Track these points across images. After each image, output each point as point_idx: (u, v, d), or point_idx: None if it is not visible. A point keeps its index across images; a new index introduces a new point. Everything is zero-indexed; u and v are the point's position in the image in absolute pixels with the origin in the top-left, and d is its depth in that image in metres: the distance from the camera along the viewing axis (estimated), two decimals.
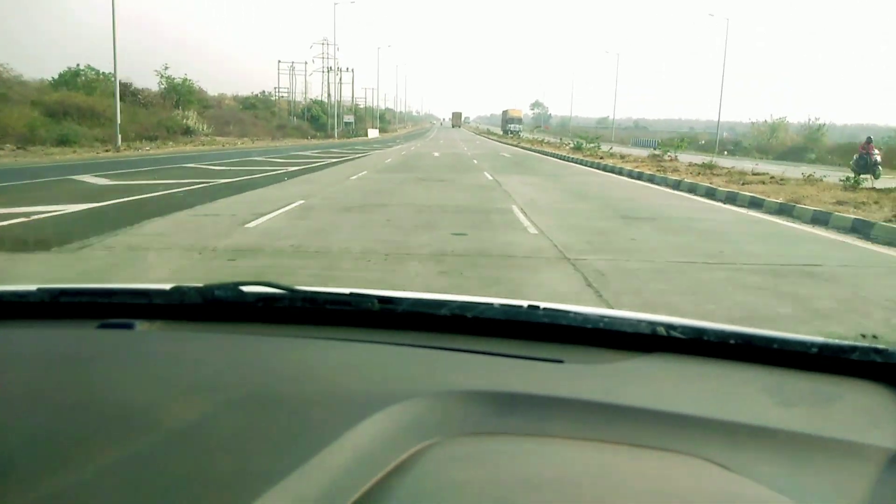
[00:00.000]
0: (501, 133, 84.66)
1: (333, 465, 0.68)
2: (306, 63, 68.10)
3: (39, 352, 1.02)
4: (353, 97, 77.07)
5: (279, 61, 70.30)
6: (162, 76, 45.88)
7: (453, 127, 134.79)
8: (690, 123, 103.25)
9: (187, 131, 38.50)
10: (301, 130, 55.92)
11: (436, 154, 31.28)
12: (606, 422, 0.81)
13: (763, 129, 53.09)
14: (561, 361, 1.00)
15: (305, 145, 40.54)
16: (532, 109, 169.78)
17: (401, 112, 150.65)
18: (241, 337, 1.11)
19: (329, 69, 71.65)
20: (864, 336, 1.04)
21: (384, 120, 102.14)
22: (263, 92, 69.22)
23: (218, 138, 39.88)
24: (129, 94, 39.30)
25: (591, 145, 33.55)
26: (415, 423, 0.78)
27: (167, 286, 1.19)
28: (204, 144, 35.05)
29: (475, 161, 25.58)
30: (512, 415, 0.82)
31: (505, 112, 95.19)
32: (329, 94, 72.78)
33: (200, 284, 1.18)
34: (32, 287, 1.21)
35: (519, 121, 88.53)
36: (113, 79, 28.36)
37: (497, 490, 0.67)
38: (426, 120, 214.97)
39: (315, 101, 73.75)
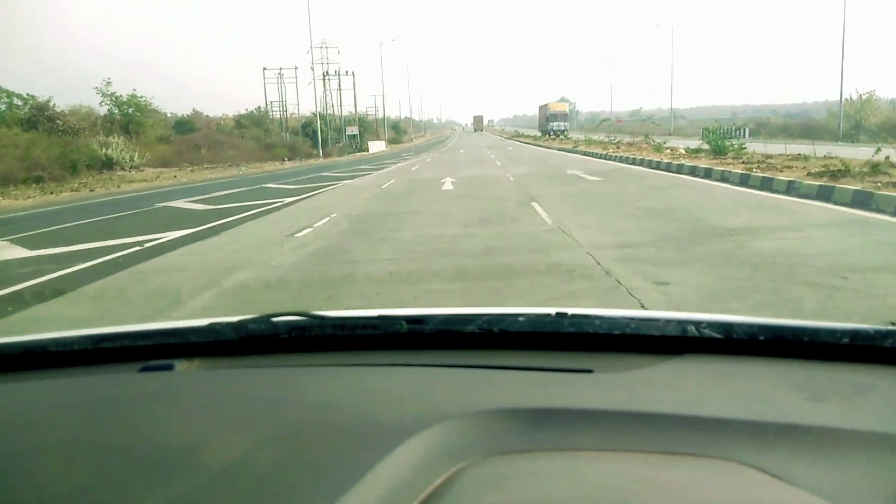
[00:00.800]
0: (540, 134, 67.16)
1: (371, 496, 0.69)
2: (296, 68, 56.96)
3: (84, 400, 1.04)
4: (355, 105, 66.05)
5: (264, 69, 59.45)
6: (104, 95, 35.94)
7: (475, 131, 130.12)
8: (728, 110, 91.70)
9: (108, 164, 27.83)
10: (294, 149, 45.96)
11: (447, 185, 14.92)
12: (638, 431, 0.81)
13: (854, 106, 40.72)
14: (590, 371, 0.99)
15: (251, 175, 26.20)
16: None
17: (419, 120, 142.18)
18: (275, 370, 1.13)
19: (326, 74, 60.46)
20: (893, 323, 1.05)
21: (399, 130, 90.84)
22: (259, 108, 58.71)
23: (149, 171, 29.43)
24: (44, 119, 28.72)
25: (731, 143, 18.89)
26: (448, 446, 0.79)
27: (202, 323, 1.21)
28: (115, 182, 24.17)
29: (542, 210, 9.53)
30: (543, 430, 0.82)
31: (543, 108, 71.66)
32: (325, 104, 61.40)
33: (234, 318, 1.20)
34: (75, 333, 1.24)
35: (564, 117, 65.01)
36: None
37: None
38: (447, 126, 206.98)
39: (317, 115, 63.26)
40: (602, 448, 0.79)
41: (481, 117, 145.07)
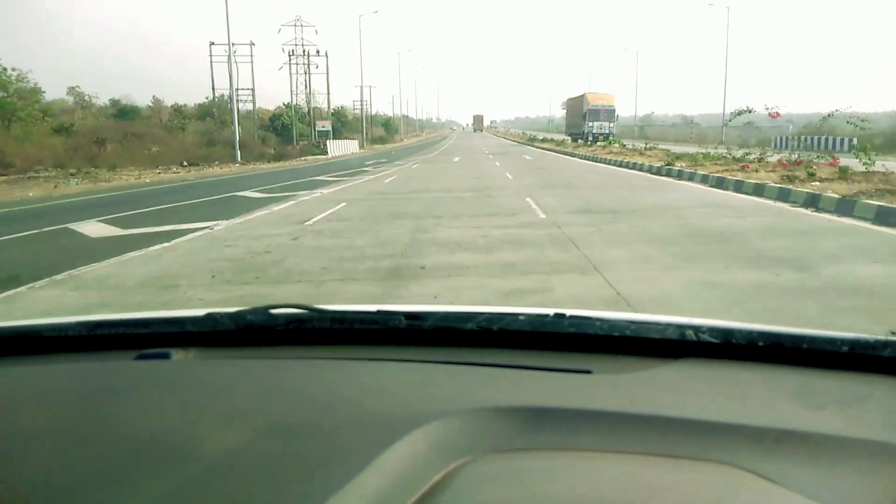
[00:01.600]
0: (568, 139, 48.03)
1: (368, 490, 0.68)
2: (252, 44, 44.00)
3: (79, 386, 1.03)
4: (328, 93, 53.44)
5: (211, 44, 45.62)
6: None
7: (475, 131, 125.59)
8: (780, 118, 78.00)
9: None
10: (248, 148, 36.84)
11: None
12: (636, 433, 0.81)
13: None
14: (589, 372, 1.00)
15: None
16: (564, 109, 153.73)
17: (416, 119, 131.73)
18: (273, 362, 1.12)
19: (292, 54, 47.73)
20: (893, 333, 1.06)
21: (390, 127, 77.43)
22: (223, 96, 46.00)
23: None
24: None
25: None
26: (446, 442, 0.78)
27: (201, 313, 1.20)
28: None
29: None
30: (542, 430, 0.82)
31: (577, 100, 48.34)
32: (304, 92, 48.69)
33: (232, 309, 1.19)
34: (71, 320, 1.23)
35: (610, 115, 43.55)
36: None
37: None
38: (445, 127, 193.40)
39: (288, 106, 50.89)
40: (600, 449, 0.79)
41: (481, 117, 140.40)
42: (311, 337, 1.19)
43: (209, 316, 1.18)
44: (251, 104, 44.42)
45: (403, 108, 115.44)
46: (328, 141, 43.28)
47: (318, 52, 50.11)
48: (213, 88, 43.66)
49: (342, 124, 54.41)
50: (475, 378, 1.00)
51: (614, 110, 44.48)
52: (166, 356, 1.13)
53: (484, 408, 0.86)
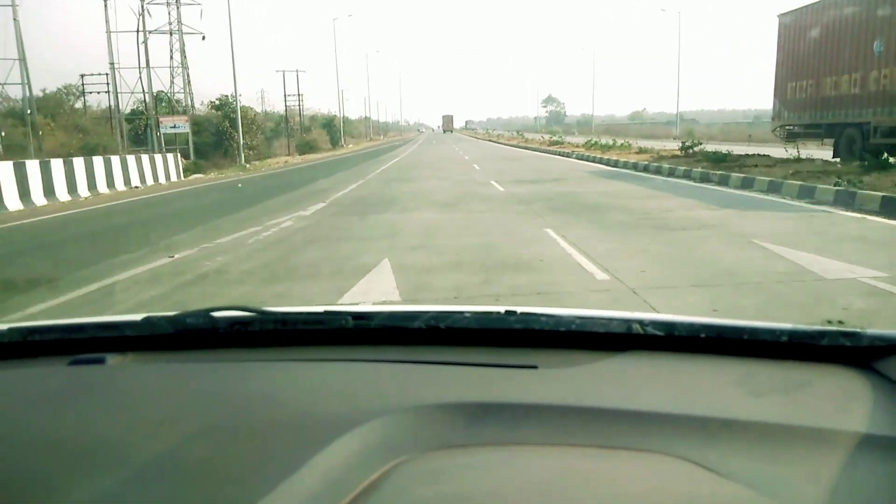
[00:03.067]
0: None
1: (302, 491, 0.68)
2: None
3: (10, 393, 1.01)
4: (186, 81, 34.59)
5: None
6: None
7: (444, 132, 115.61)
8: (750, 114, 73.74)
9: None
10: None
11: None
12: (579, 425, 0.82)
13: None
14: (535, 367, 1.00)
15: None
16: (545, 107, 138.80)
17: (382, 122, 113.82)
18: (212, 365, 1.10)
19: (139, 30, 29.79)
20: (829, 322, 1.08)
21: (333, 130, 57.77)
22: (69, 85, 34.84)
23: None
24: None
25: None
26: (385, 441, 0.78)
27: (138, 317, 1.17)
28: None
29: None
30: (484, 425, 0.82)
31: None
32: (148, 79, 30.06)
33: (171, 313, 1.17)
34: (3, 327, 1.19)
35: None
36: None
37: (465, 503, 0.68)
38: (412, 129, 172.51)
39: (160, 96, 32.55)
40: (543, 442, 0.79)
41: (451, 117, 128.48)
42: (256, 339, 1.16)
43: (146, 320, 1.15)
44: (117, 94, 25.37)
45: (361, 110, 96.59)
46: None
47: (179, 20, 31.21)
48: (117, 74, 24.59)
49: (236, 125, 34.64)
50: (420, 376, 1.00)
51: None
52: (101, 361, 1.10)
53: (426, 405, 0.85)
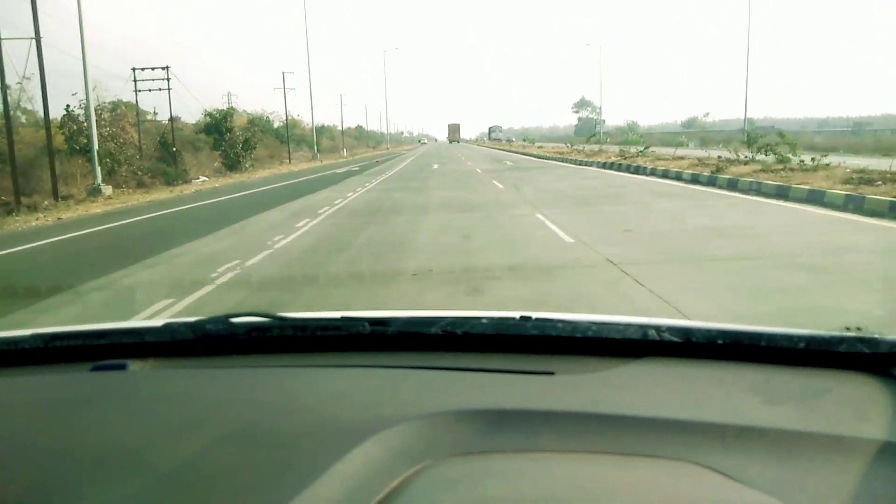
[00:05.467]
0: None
1: (324, 497, 0.68)
2: None
3: (34, 399, 1.02)
4: None
5: None
6: None
7: (451, 142, 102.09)
8: (796, 122, 63.95)
9: None
10: None
11: None
12: (596, 432, 0.82)
13: None
14: (551, 373, 1.00)
15: None
16: (576, 112, 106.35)
17: (379, 131, 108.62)
18: (232, 371, 1.11)
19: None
20: (848, 328, 1.03)
21: (302, 141, 52.41)
22: None
23: None
24: None
25: None
26: (405, 447, 0.78)
27: (158, 323, 1.18)
28: None
29: None
30: (502, 432, 0.82)
31: None
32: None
33: (191, 319, 1.17)
34: (26, 332, 1.20)
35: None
36: None
37: None
38: (413, 140, 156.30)
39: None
40: (561, 449, 0.79)
41: (458, 126, 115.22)
42: (274, 345, 1.17)
43: (167, 326, 1.16)
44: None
45: (376, 118, 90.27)
46: None
47: None
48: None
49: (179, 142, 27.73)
50: (438, 382, 1.00)
51: None
52: (122, 367, 1.11)
53: (446, 411, 0.86)
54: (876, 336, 0.96)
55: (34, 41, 16.75)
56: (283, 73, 42.45)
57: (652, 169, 18.18)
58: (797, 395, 0.91)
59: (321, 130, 58.56)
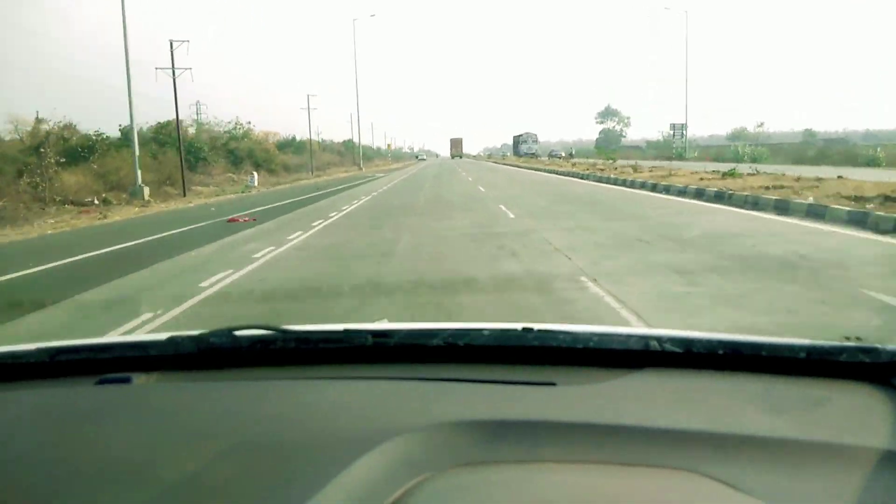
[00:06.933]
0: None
1: None
2: None
3: (40, 412, 1.03)
4: None
5: None
6: None
7: (453, 157, 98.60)
8: (797, 135, 64.25)
9: None
10: None
11: None
12: (598, 443, 0.82)
13: None
14: (553, 384, 1.00)
15: None
16: (600, 122, 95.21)
17: (376, 147, 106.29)
18: (235, 384, 1.11)
19: None
20: (847, 338, 1.03)
21: (261, 156, 46.95)
22: None
23: None
24: None
25: None
26: (408, 458, 0.79)
27: (163, 336, 1.19)
28: None
29: None
30: (504, 442, 0.83)
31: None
32: None
33: (195, 332, 1.18)
34: (31, 347, 1.21)
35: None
36: None
37: None
38: (411, 158, 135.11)
39: None
40: (562, 460, 0.80)
41: (460, 140, 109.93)
42: (278, 357, 1.18)
43: (171, 340, 1.17)
44: None
45: (356, 132, 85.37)
46: None
47: None
48: None
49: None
50: (440, 393, 1.01)
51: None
52: (127, 380, 1.11)
53: (448, 422, 0.86)
54: (877, 346, 0.97)
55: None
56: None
57: None
58: (798, 405, 0.92)
59: (287, 143, 50.34)
